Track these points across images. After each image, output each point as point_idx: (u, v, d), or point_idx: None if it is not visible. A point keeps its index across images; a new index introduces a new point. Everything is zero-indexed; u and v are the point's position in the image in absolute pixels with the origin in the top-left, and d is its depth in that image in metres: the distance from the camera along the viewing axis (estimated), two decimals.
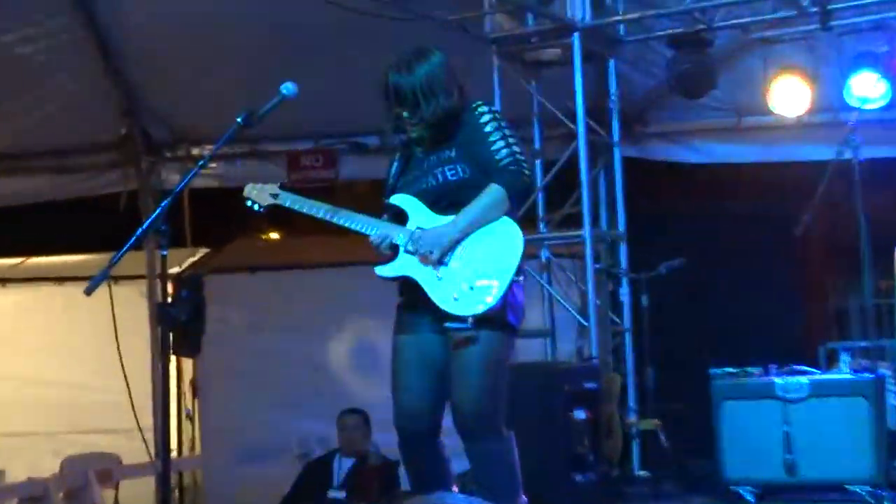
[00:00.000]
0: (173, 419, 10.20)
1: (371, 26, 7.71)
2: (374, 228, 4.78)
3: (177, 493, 10.31)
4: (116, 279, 6.00)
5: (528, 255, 8.49)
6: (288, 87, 4.49)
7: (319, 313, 10.14)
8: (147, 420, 6.72)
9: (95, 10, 8.82)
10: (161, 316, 4.39)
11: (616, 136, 9.03)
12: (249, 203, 4.94)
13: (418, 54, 4.81)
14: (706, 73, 8.69)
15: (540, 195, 8.93)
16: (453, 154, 4.80)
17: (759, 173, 9.83)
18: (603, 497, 7.43)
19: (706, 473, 7.47)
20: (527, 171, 4.73)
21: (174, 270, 9.63)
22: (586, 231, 8.29)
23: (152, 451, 5.80)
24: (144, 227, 4.20)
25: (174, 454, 9.95)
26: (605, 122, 8.99)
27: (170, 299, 4.45)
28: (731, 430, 7.09)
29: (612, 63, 8.87)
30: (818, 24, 8.30)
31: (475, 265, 4.65)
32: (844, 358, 7.98)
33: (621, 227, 8.97)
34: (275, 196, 4.89)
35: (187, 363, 10.24)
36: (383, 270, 4.81)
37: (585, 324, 8.40)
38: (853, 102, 8.23)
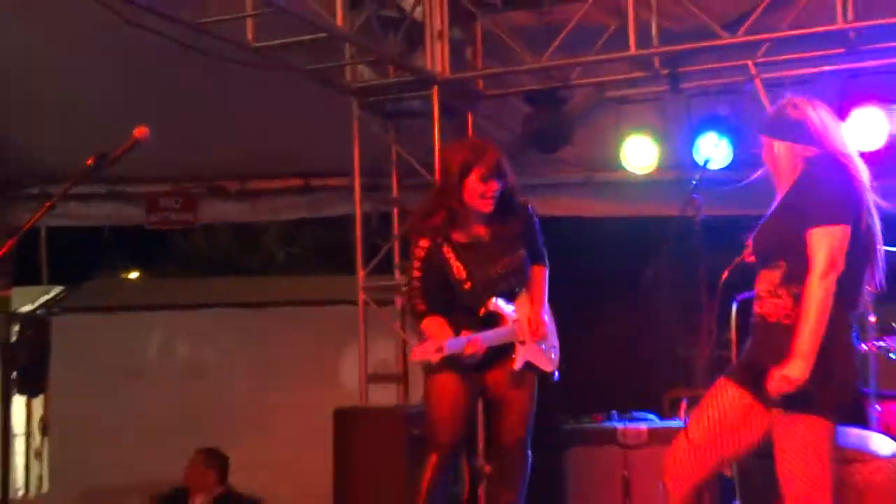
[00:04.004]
0: (21, 458, 10.01)
1: (233, 73, 7.68)
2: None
3: None
4: None
5: (384, 302, 8.77)
6: (140, 132, 4.39)
7: (180, 356, 10.11)
8: None
9: None
10: (3, 355, 4.46)
11: None
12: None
13: None
14: (561, 129, 8.90)
15: (396, 243, 9.00)
16: None
17: (609, 229, 9.97)
18: None
19: None
20: None
21: (25, 309, 9.53)
22: None
23: None
24: None
25: (21, 492, 9.81)
26: None
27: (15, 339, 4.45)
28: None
29: (469, 116, 8.99)
30: (668, 85, 8.59)
31: None
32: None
33: None
34: (441, 350, 5.63)
35: (38, 402, 10.07)
36: None
37: None
38: (700, 161, 8.34)
